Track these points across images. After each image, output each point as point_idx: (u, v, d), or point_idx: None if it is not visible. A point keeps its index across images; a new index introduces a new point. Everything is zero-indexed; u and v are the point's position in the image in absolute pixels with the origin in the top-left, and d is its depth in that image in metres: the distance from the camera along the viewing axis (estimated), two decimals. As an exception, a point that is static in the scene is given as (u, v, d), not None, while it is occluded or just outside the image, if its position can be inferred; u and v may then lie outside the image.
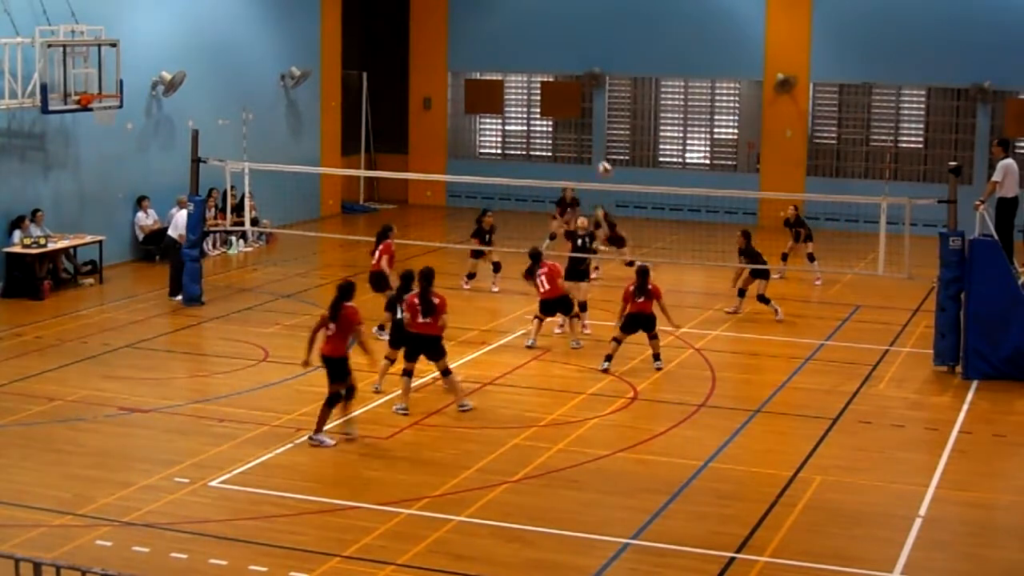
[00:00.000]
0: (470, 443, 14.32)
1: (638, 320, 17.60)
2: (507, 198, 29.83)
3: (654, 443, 14.61)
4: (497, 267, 22.36)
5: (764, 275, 20.77)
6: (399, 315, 15.86)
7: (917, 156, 29.94)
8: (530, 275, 18.82)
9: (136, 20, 24.70)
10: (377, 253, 19.23)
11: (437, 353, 15.42)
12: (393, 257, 19.26)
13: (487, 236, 22.30)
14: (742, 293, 21.00)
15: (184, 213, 21.58)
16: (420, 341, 15.39)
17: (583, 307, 19.42)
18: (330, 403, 14.34)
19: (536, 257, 18.77)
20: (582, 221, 20.75)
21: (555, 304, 18.64)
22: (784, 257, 23.82)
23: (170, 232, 22.15)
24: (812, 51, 30.07)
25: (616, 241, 23.32)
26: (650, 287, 17.60)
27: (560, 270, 18.87)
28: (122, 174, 24.57)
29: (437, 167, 32.09)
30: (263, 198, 26.56)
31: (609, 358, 17.52)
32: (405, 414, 15.26)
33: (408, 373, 15.45)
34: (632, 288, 17.56)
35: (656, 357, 17.67)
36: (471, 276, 22.60)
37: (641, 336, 17.61)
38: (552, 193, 27.56)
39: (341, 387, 14.33)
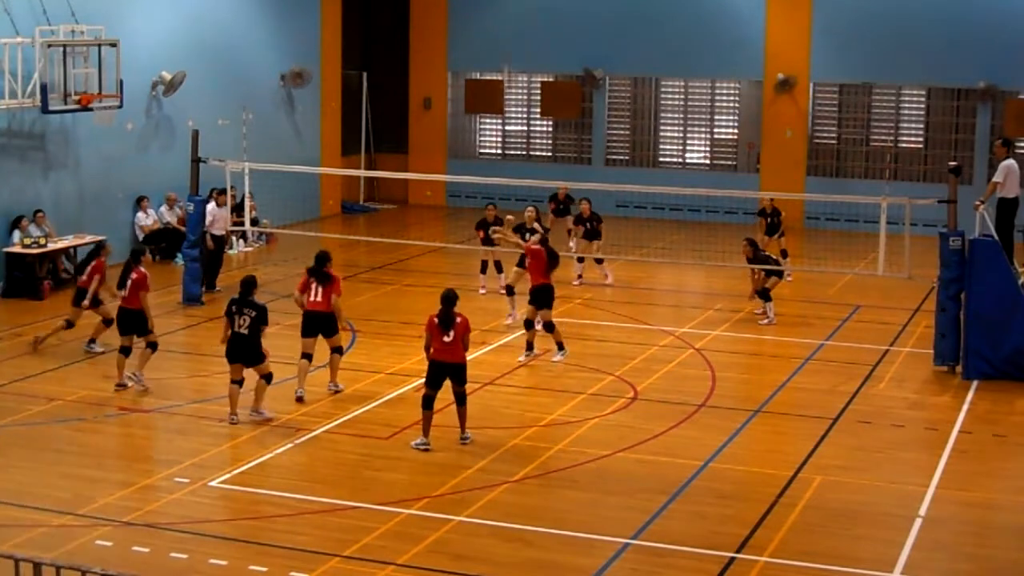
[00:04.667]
0: (470, 443, 14.33)
1: None
2: (507, 198, 29.73)
3: (654, 443, 14.61)
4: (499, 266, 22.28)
5: (779, 274, 20.42)
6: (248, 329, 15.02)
7: (917, 156, 29.92)
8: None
9: (136, 20, 24.70)
10: (88, 270, 18.29)
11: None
12: (104, 276, 18.05)
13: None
14: (764, 295, 20.22)
15: (212, 205, 21.98)
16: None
17: (510, 290, 20.13)
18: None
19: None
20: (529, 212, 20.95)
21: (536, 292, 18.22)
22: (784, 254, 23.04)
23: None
24: (812, 51, 30.05)
25: (592, 235, 23.21)
26: None
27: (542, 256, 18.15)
28: (122, 174, 24.56)
29: (437, 167, 32.08)
30: (263, 198, 26.57)
31: None
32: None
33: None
34: None
35: None
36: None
37: (642, 336, 17.47)
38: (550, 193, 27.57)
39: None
